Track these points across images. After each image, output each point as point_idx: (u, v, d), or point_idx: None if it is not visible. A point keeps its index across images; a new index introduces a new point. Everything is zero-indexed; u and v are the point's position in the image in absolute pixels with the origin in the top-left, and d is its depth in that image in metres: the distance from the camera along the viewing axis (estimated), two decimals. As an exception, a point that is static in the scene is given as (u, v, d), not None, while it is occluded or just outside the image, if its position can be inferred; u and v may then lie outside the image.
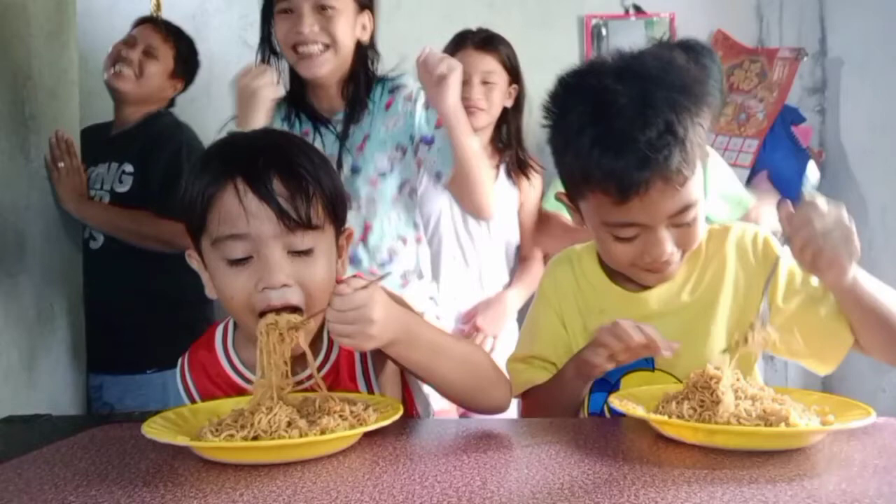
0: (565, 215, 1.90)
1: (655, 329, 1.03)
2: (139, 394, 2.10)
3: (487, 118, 2.09)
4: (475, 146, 1.68)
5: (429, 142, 1.67)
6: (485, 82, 2.07)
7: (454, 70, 1.57)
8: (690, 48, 1.89)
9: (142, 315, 2.10)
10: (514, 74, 2.14)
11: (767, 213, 1.96)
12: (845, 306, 1.07)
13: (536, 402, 1.20)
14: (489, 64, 2.09)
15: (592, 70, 1.11)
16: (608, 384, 1.16)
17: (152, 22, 2.36)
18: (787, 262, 1.11)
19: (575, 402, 1.16)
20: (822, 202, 0.98)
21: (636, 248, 1.08)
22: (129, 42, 2.24)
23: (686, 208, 1.06)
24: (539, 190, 2.19)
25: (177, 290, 2.01)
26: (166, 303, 2.10)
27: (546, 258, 2.14)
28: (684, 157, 1.02)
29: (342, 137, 1.67)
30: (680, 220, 1.07)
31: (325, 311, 0.95)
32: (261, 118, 1.62)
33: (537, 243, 2.18)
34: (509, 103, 2.13)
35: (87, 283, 2.05)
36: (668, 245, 1.07)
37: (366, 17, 1.68)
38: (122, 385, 2.13)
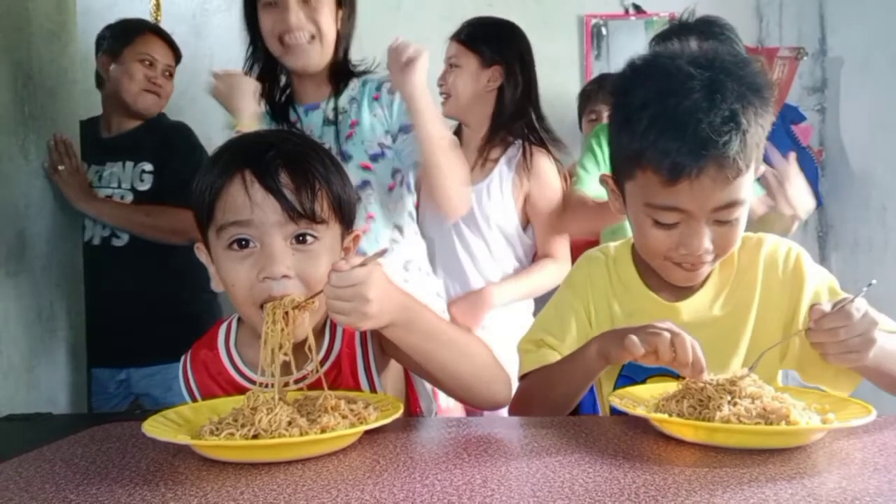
0: (589, 198, 1.86)
1: (704, 356, 0.96)
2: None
3: (455, 103, 2.06)
4: (442, 132, 1.61)
5: (407, 132, 1.66)
6: (450, 66, 2.07)
7: (421, 53, 1.56)
8: (713, 23, 1.82)
9: (176, 305, 2.16)
10: (489, 56, 2.05)
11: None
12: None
13: (540, 381, 1.16)
14: (450, 49, 2.09)
15: (666, 54, 1.10)
16: (634, 382, 1.14)
17: (159, 35, 2.34)
18: (815, 285, 1.11)
19: (583, 384, 1.11)
20: (858, 312, 0.94)
21: (673, 238, 1.07)
22: (150, 63, 2.27)
23: (732, 204, 1.04)
24: (554, 188, 2.05)
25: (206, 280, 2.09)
26: (199, 291, 2.13)
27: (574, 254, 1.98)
28: (743, 148, 1.01)
29: (332, 122, 1.69)
30: (723, 217, 1.05)
31: (324, 289, 0.93)
32: (250, 101, 1.64)
33: (559, 229, 2.05)
34: (491, 87, 2.06)
35: (115, 280, 2.11)
36: (706, 240, 1.06)
37: (343, 13, 1.70)
38: (161, 374, 2.16)
